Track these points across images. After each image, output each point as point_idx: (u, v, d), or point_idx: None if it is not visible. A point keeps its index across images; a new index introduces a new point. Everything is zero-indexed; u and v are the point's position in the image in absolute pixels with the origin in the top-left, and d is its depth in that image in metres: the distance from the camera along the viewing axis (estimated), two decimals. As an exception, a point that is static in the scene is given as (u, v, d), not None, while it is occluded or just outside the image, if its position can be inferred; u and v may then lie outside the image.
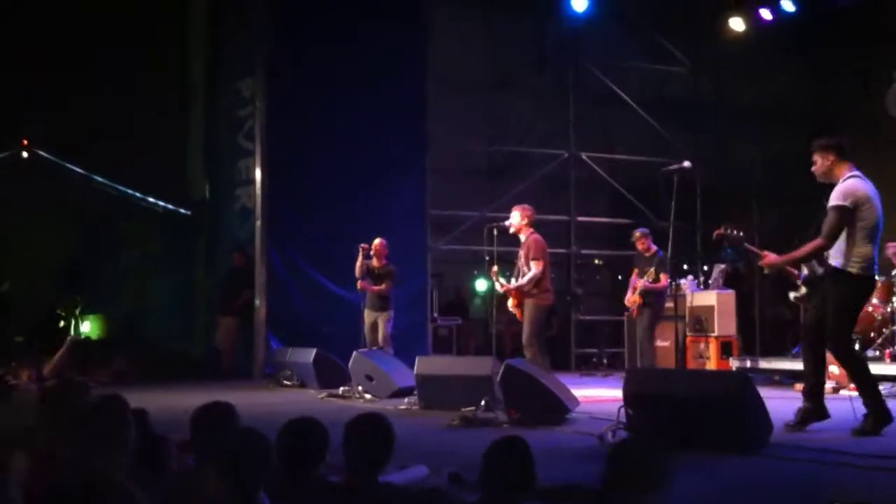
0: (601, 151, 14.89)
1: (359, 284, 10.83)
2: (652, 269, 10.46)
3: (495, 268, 9.20)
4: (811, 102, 13.99)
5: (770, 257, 6.65)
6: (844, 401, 8.71)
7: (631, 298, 10.64)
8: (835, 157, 6.45)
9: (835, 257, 6.34)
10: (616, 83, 14.68)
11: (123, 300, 14.48)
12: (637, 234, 10.89)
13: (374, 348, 10.62)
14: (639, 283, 10.58)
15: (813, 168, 6.54)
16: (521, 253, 9.18)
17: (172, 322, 14.45)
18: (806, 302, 6.73)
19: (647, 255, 10.71)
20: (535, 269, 8.92)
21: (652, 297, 10.41)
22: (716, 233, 6.97)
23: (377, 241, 11.08)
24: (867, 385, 6.37)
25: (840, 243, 6.31)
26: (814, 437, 6.20)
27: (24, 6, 13.03)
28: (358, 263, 10.73)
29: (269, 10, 12.58)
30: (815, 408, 6.50)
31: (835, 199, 6.30)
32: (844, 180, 6.36)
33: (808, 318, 6.73)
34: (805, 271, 6.66)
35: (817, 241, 6.36)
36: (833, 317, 6.35)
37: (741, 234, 6.92)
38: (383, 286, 10.97)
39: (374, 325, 10.95)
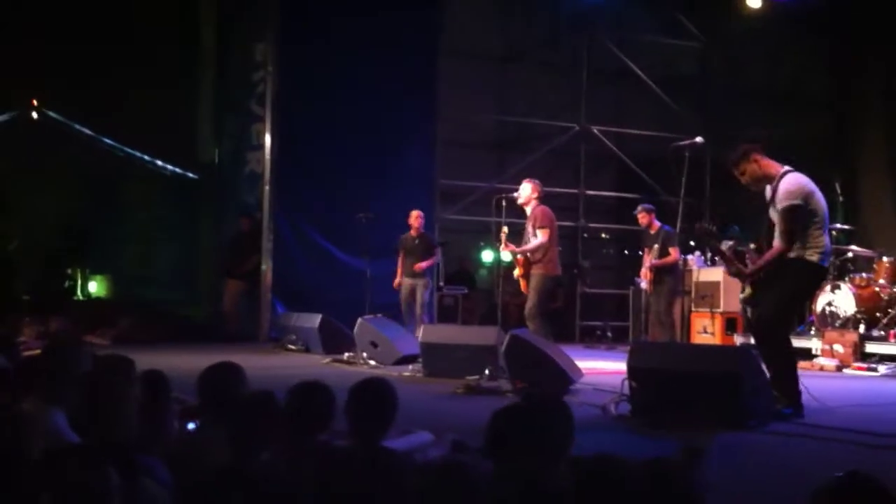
0: (611, 125, 14.84)
1: (400, 260, 10.98)
2: (656, 246, 10.47)
3: (505, 229, 9.21)
4: (825, 87, 13.89)
5: (745, 271, 6.41)
6: (847, 379, 8.77)
7: (643, 273, 10.68)
8: (760, 157, 6.25)
9: (767, 265, 6.20)
10: (629, 57, 14.59)
11: (129, 262, 14.53)
12: (639, 209, 10.88)
13: (412, 316, 10.92)
14: (648, 258, 10.60)
15: (742, 180, 6.30)
16: (528, 224, 9.19)
17: (177, 285, 14.51)
18: (752, 302, 6.55)
19: (652, 231, 10.71)
20: (541, 236, 8.94)
21: (667, 274, 10.42)
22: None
23: (414, 212, 11.26)
24: (789, 379, 6.13)
25: (771, 249, 6.19)
26: (814, 416, 6.17)
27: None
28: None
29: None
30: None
31: (785, 199, 6.09)
32: (782, 176, 6.18)
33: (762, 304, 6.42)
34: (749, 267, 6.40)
35: (779, 247, 6.13)
36: (778, 300, 6.18)
37: (715, 232, 6.79)
38: (431, 260, 11.30)
39: (412, 294, 11.07)
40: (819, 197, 6.20)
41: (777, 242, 6.17)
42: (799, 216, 6.08)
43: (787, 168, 6.26)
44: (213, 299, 13.86)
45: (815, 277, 6.42)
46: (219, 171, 14.44)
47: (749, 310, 7.05)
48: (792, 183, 6.15)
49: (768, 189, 6.28)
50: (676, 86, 14.72)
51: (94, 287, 14.01)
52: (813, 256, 6.13)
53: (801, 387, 6.18)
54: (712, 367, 6.08)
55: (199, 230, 14.84)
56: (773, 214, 6.25)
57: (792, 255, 6.13)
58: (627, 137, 14.85)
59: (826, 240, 6.21)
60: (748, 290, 6.47)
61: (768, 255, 6.23)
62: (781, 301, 6.22)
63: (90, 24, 13.13)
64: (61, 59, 12.96)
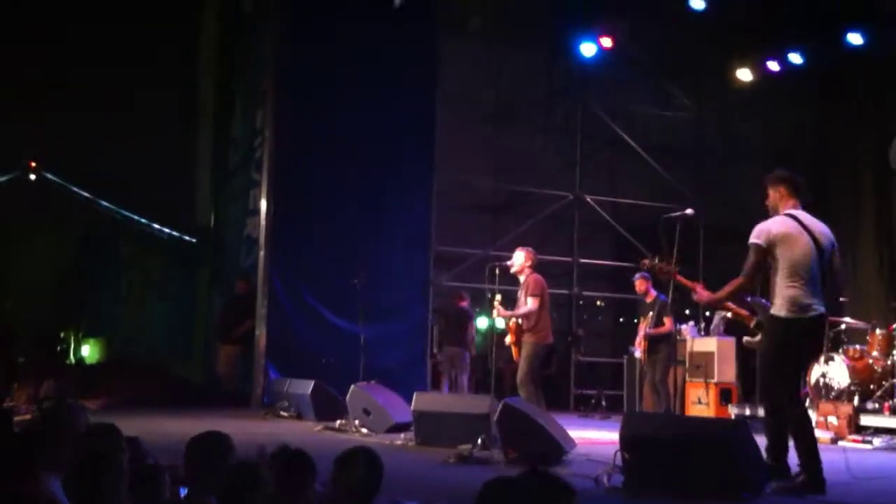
0: (605, 193, 14.95)
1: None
2: (651, 314, 10.51)
3: (499, 297, 9.24)
4: (814, 149, 14.05)
5: (700, 292, 6.44)
6: (843, 452, 8.71)
7: (638, 342, 10.69)
8: (785, 191, 6.26)
9: (726, 296, 6.24)
10: (622, 126, 14.78)
11: (124, 323, 14.50)
12: (637, 276, 10.95)
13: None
14: (643, 327, 10.62)
15: (766, 201, 6.34)
16: (521, 292, 9.22)
17: (172, 348, 14.47)
18: (756, 348, 6.48)
19: (648, 300, 10.76)
20: (531, 303, 8.97)
21: (661, 343, 10.44)
22: (642, 262, 6.88)
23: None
24: (807, 444, 5.99)
25: (773, 288, 6.12)
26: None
27: (33, 29, 13.17)
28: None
29: (279, 39, 12.67)
30: (778, 467, 6.10)
31: (751, 237, 6.13)
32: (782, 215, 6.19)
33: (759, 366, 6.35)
34: (759, 315, 6.34)
35: (738, 280, 6.14)
36: (762, 366, 6.15)
37: (672, 266, 6.78)
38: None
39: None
40: (797, 244, 6.03)
41: (740, 276, 6.15)
42: (755, 255, 6.06)
43: (788, 211, 6.20)
44: (208, 362, 13.80)
45: (791, 332, 6.06)
46: (216, 235, 14.49)
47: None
48: (765, 224, 6.16)
49: None
50: (669, 154, 14.89)
51: (87, 351, 13.96)
52: (781, 312, 6.04)
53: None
54: (705, 437, 6.05)
55: (195, 293, 14.85)
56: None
57: (772, 310, 6.11)
58: (622, 206, 14.95)
59: (795, 291, 5.98)
60: (759, 336, 6.37)
61: (729, 286, 6.22)
62: (765, 365, 6.17)
63: (89, 88, 13.28)
64: (60, 122, 13.09)
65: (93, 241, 14.05)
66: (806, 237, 6.09)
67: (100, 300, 14.10)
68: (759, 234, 6.12)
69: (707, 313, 12.34)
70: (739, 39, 13.67)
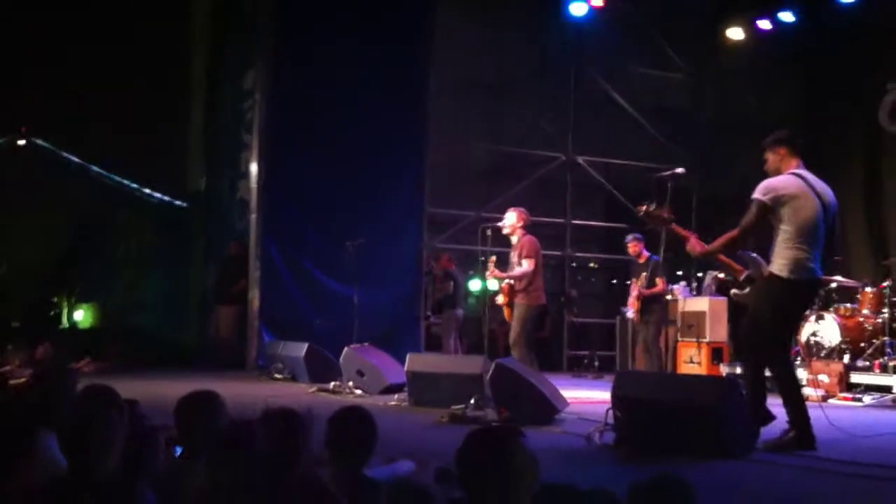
0: (598, 155, 14.93)
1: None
2: (644, 275, 10.54)
3: (493, 257, 9.26)
4: (806, 114, 14.03)
5: (693, 242, 6.34)
6: (831, 409, 8.78)
7: (631, 303, 10.73)
8: (785, 152, 6.14)
9: (772, 261, 6.08)
10: (616, 88, 14.73)
11: (117, 289, 14.50)
12: (629, 238, 10.97)
13: None
14: (635, 288, 10.65)
15: (765, 166, 6.22)
16: (514, 253, 9.23)
17: (167, 313, 14.48)
18: (745, 301, 6.43)
19: (640, 261, 10.79)
20: (526, 265, 8.99)
21: (654, 303, 10.49)
22: (639, 208, 6.75)
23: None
24: (795, 402, 6.02)
25: (774, 246, 6.05)
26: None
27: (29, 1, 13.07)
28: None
29: (273, 5, 12.59)
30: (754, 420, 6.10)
31: (755, 192, 6.03)
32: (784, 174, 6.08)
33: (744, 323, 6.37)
34: (750, 269, 6.25)
35: (732, 232, 6.07)
36: (753, 323, 6.12)
37: (669, 215, 6.63)
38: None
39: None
40: (804, 206, 5.95)
41: (735, 228, 6.08)
42: (757, 212, 5.97)
43: (794, 170, 6.09)
44: (203, 326, 13.83)
45: (790, 294, 6.05)
46: (208, 200, 14.45)
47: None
48: (772, 181, 6.05)
49: None
50: (664, 117, 14.86)
51: (80, 315, 13.97)
52: (783, 272, 5.97)
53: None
54: (696, 397, 6.09)
55: (189, 258, 14.84)
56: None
57: (771, 268, 6.05)
58: (615, 167, 14.94)
59: (798, 252, 5.93)
60: (747, 288, 6.33)
61: (723, 238, 6.13)
62: (757, 322, 6.13)
63: (79, 53, 13.18)
64: (50, 87, 13.01)
65: (85, 207, 14.00)
66: (813, 198, 6.00)
67: (93, 265, 14.08)
68: (766, 191, 6.00)
69: (699, 274, 12.39)
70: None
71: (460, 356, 11.49)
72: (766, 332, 6.12)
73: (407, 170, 13.13)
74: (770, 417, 6.18)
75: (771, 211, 5.99)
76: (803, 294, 6.22)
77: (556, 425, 7.12)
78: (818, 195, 6.04)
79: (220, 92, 14.23)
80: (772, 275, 6.06)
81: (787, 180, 6.05)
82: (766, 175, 6.24)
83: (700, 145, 14.42)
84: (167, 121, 14.44)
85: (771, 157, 6.22)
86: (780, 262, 6.01)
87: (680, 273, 12.73)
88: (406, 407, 8.40)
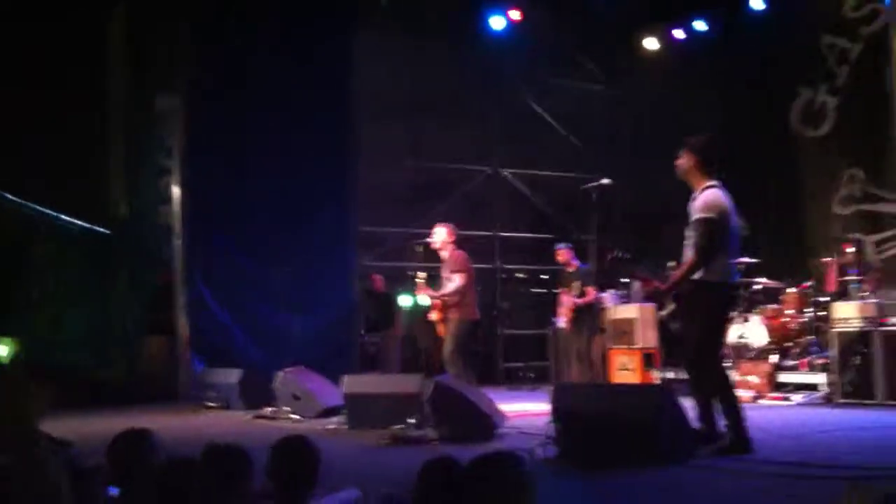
0: (523, 167, 15.05)
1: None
2: (577, 283, 10.65)
3: (423, 274, 9.25)
4: (722, 120, 14.34)
5: (660, 285, 6.47)
6: (764, 409, 8.96)
7: (562, 312, 10.81)
8: (696, 161, 6.39)
9: (681, 279, 6.25)
10: (537, 100, 14.87)
11: (38, 325, 14.07)
12: (560, 246, 11.09)
13: None
14: (565, 299, 10.74)
15: (676, 162, 6.49)
16: (445, 269, 9.25)
17: (92, 347, 14.09)
18: (676, 319, 6.65)
19: (570, 269, 10.90)
20: (457, 279, 9.00)
21: (585, 312, 10.59)
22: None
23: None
24: (731, 406, 6.17)
25: (684, 264, 6.25)
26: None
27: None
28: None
29: (191, 28, 12.42)
30: (711, 432, 6.25)
31: (701, 210, 6.21)
32: (704, 190, 6.30)
33: (685, 335, 6.54)
34: (654, 280, 6.48)
35: (691, 259, 6.22)
36: (697, 329, 6.27)
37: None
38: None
39: None
40: (733, 219, 6.30)
41: (690, 254, 6.24)
42: (714, 229, 6.16)
43: (711, 183, 6.34)
44: (131, 358, 13.50)
45: (722, 297, 6.32)
46: (130, 226, 14.14)
47: (673, 328, 7.08)
48: (710, 196, 6.26)
49: (690, 204, 6.41)
50: (585, 128, 15.05)
51: (3, 351, 13.52)
52: (713, 277, 6.17)
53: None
54: (633, 405, 6.17)
55: (113, 287, 14.47)
56: (688, 230, 6.35)
57: (697, 277, 6.19)
58: (539, 179, 15.07)
59: (724, 259, 6.22)
60: (670, 306, 6.54)
61: (682, 268, 6.29)
62: (701, 332, 6.26)
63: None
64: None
65: (1, 241, 13.57)
66: (733, 212, 6.33)
67: (14, 301, 13.65)
68: (712, 208, 6.22)
69: (625, 280, 12.54)
70: (647, 8, 13.84)
71: (397, 375, 11.43)
72: (708, 338, 6.28)
73: (335, 190, 13.05)
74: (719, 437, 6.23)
75: (718, 225, 6.18)
76: (730, 296, 6.55)
77: (497, 441, 7.13)
78: (733, 207, 6.36)
79: (139, 114, 13.97)
80: (703, 282, 6.19)
81: (721, 194, 6.31)
82: (683, 184, 6.47)
83: (620, 154, 14.64)
84: (86, 146, 14.09)
85: (685, 159, 6.45)
86: (711, 271, 6.18)
87: (607, 276, 12.88)
88: (344, 430, 8.32)
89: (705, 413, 6.25)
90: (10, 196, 13.47)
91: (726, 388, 6.31)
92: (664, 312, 6.65)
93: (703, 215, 6.21)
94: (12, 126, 12.76)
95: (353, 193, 13.20)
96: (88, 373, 13.11)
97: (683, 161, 6.46)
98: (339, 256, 12.97)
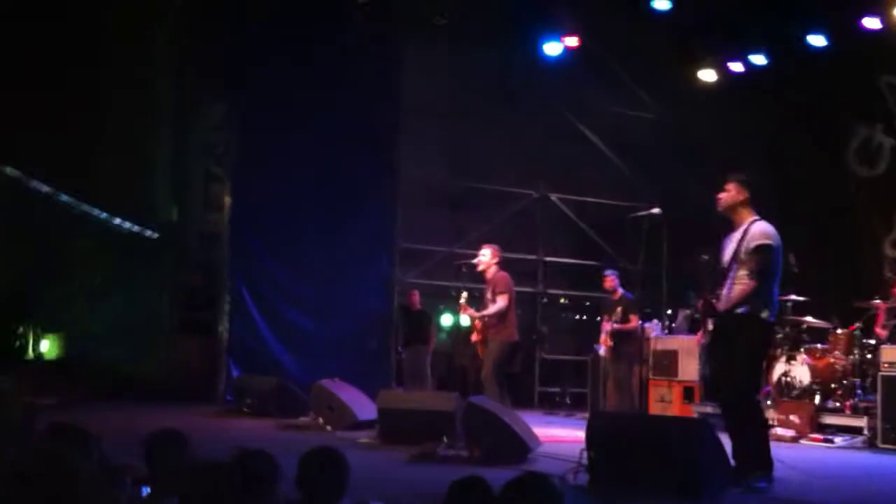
0: (569, 191, 14.97)
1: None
2: (619, 310, 10.56)
3: (465, 293, 9.23)
4: (774, 156, 14.16)
5: (717, 304, 6.36)
6: (804, 450, 8.79)
7: (603, 340, 10.72)
8: (746, 197, 6.40)
9: (740, 302, 6.18)
10: (588, 126, 14.80)
11: (82, 320, 14.25)
12: (607, 273, 11.05)
13: None
14: (608, 325, 10.65)
15: (721, 195, 6.45)
16: (488, 290, 9.21)
17: (132, 344, 14.23)
18: (710, 352, 6.58)
19: (614, 297, 10.82)
20: (500, 302, 8.96)
21: (627, 340, 10.50)
22: (699, 304, 6.80)
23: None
24: (764, 447, 6.13)
25: (739, 287, 6.20)
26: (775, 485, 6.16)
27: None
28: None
29: (240, 37, 12.55)
30: (744, 469, 6.13)
31: (760, 238, 6.21)
32: (753, 222, 6.31)
33: (716, 371, 6.53)
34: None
35: (751, 284, 6.17)
36: (744, 365, 6.20)
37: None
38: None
39: None
40: (779, 252, 6.30)
41: (748, 281, 6.17)
42: (773, 257, 6.20)
43: (757, 217, 6.35)
44: (170, 357, 13.62)
45: (768, 335, 6.44)
46: (176, 230, 14.30)
47: (707, 368, 6.99)
48: (766, 227, 6.29)
49: (730, 240, 6.34)
50: (634, 155, 14.95)
51: (46, 346, 13.72)
52: (764, 313, 6.18)
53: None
54: (670, 438, 6.07)
55: (154, 289, 14.61)
56: (728, 262, 6.29)
57: (743, 310, 6.14)
58: (585, 205, 14.99)
59: (775, 293, 6.28)
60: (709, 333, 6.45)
61: (739, 292, 6.21)
62: (748, 365, 6.23)
63: (46, 78, 13.02)
64: (16, 114, 12.82)
65: (50, 235, 13.78)
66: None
67: (58, 295, 13.85)
68: (770, 236, 6.25)
69: (669, 311, 12.40)
70: (703, 40, 13.73)
71: (432, 393, 11.40)
72: (752, 373, 6.28)
73: (376, 203, 13.09)
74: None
75: (777, 254, 6.21)
76: (773, 332, 6.56)
77: (528, 464, 7.05)
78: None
79: (188, 121, 14.14)
80: (753, 316, 6.16)
81: (771, 226, 6.31)
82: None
83: (667, 182, 14.51)
84: (136, 149, 14.28)
85: (734, 192, 6.42)
86: (757, 303, 6.15)
87: (650, 311, 12.75)
88: (376, 444, 8.29)
89: (740, 449, 6.14)
90: (63, 196, 13.70)
91: (762, 426, 6.22)
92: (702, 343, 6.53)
93: (764, 242, 6.21)
94: (64, 130, 12.98)
95: (392, 205, 13.22)
96: (131, 366, 13.27)
97: (730, 195, 6.42)
98: (375, 269, 12.99)
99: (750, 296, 6.17)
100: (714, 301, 6.36)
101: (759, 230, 6.25)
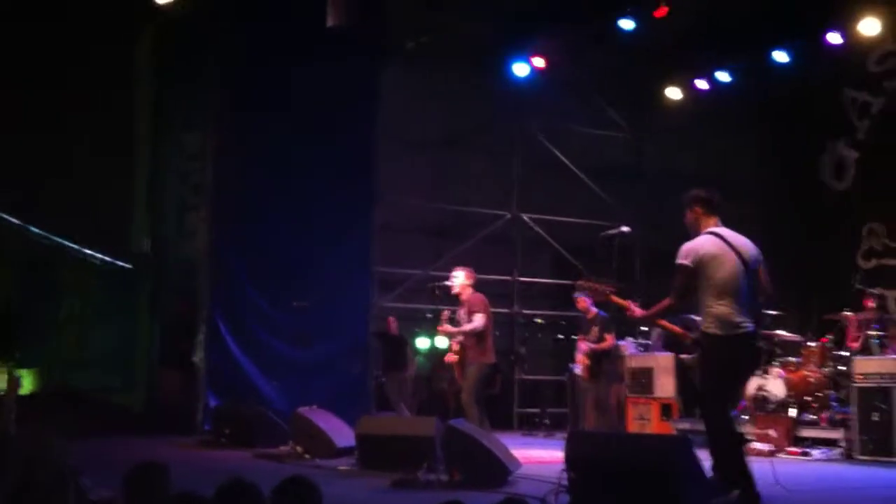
0: (544, 212, 15.06)
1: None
2: (595, 328, 10.61)
3: (447, 312, 9.26)
4: (744, 171, 14.33)
5: (635, 310, 6.51)
6: (779, 464, 8.84)
7: (579, 359, 10.75)
8: (701, 211, 6.36)
9: (701, 320, 6.23)
10: (559, 146, 14.91)
11: (62, 352, 14.13)
12: (578, 294, 11.04)
13: None
14: (584, 345, 10.69)
15: (685, 221, 6.46)
16: (463, 311, 9.24)
17: (113, 376, 14.13)
18: (693, 364, 6.66)
19: (589, 317, 10.86)
20: (478, 319, 8.98)
21: (604, 359, 10.55)
22: (578, 282, 6.92)
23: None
24: (737, 459, 6.08)
25: (701, 306, 6.21)
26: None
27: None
28: None
29: (219, 64, 12.58)
30: (725, 483, 6.12)
31: (678, 257, 6.21)
32: (696, 237, 6.30)
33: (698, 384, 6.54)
34: (694, 333, 6.40)
35: (666, 300, 6.25)
36: (703, 381, 6.27)
37: (606, 286, 6.80)
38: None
39: None
40: (718, 267, 6.08)
41: (668, 297, 6.27)
42: (683, 276, 6.13)
43: (710, 229, 6.27)
44: (149, 388, 13.53)
45: (724, 350, 6.11)
46: (153, 260, 14.23)
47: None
48: (691, 244, 6.23)
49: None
50: (606, 175, 15.07)
51: (23, 381, 13.56)
52: (711, 329, 6.11)
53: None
54: (649, 456, 6.09)
55: (134, 320, 14.52)
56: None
57: (703, 327, 6.18)
58: (560, 225, 15.07)
59: (725, 308, 6.04)
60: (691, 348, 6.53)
61: (659, 306, 6.32)
62: (705, 381, 6.27)
63: (18, 111, 12.96)
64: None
65: (25, 264, 13.68)
66: (732, 255, 6.16)
67: (36, 329, 13.72)
68: (687, 254, 6.18)
69: (645, 329, 12.48)
70: (670, 59, 13.90)
71: (412, 418, 11.39)
72: (711, 390, 6.24)
73: (353, 229, 13.11)
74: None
75: (694, 273, 6.13)
76: (737, 348, 6.19)
77: (509, 487, 7.07)
78: (737, 251, 6.19)
79: (163, 150, 14.11)
80: (704, 333, 6.19)
81: (704, 240, 6.23)
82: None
83: (642, 201, 14.63)
84: (110, 180, 14.21)
85: (689, 214, 6.42)
86: (707, 321, 6.15)
87: (625, 329, 12.82)
88: (356, 471, 8.27)
89: (719, 463, 6.18)
90: (33, 228, 13.60)
91: (736, 442, 6.27)
92: (688, 357, 6.62)
93: (676, 261, 6.20)
94: (36, 162, 12.91)
95: (369, 231, 13.26)
96: (110, 396, 13.17)
97: (687, 218, 6.44)
98: (355, 295, 12.99)
99: (662, 311, 6.33)
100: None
101: (682, 248, 6.23)
